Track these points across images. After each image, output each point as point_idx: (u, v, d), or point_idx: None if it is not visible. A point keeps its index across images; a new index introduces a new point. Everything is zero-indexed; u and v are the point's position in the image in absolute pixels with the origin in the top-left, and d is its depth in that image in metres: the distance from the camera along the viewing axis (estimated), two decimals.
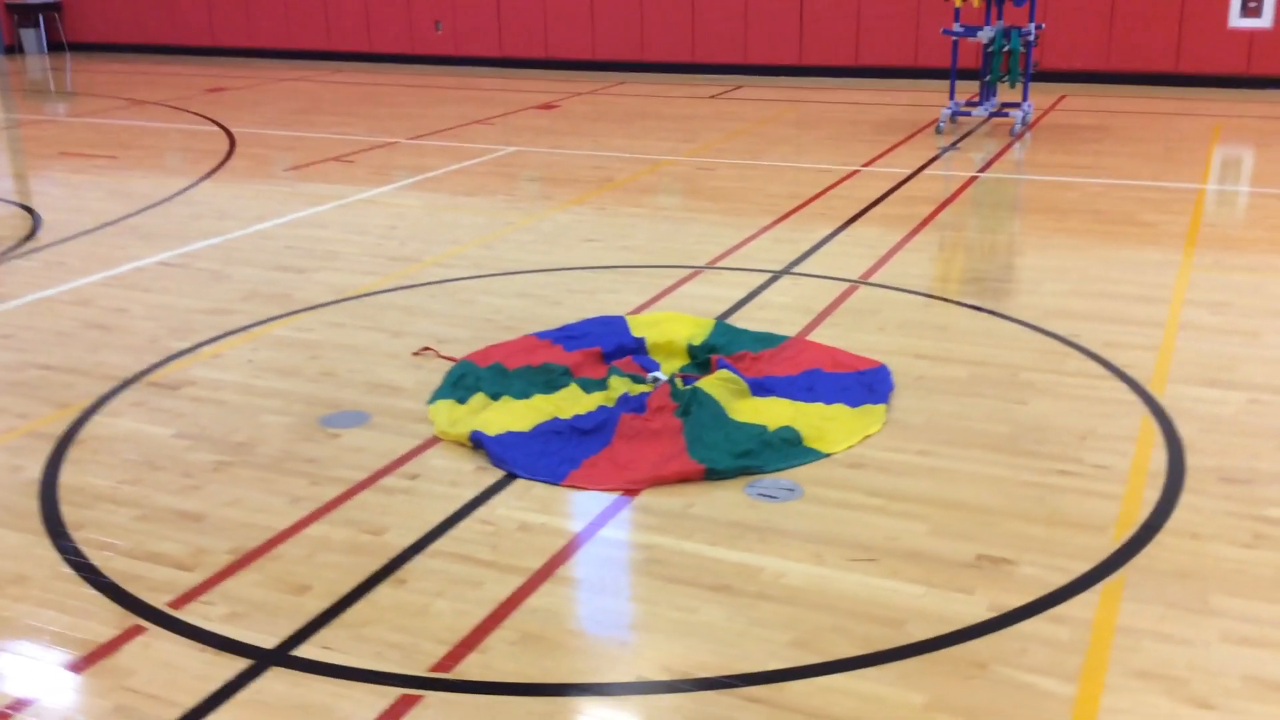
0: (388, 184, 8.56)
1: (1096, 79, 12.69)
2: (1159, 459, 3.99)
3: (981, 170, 8.65)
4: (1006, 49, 9.72)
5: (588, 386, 4.65)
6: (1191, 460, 3.97)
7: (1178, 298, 5.64)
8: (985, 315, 5.46)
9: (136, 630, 3.13)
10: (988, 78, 9.98)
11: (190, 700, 2.83)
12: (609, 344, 5.04)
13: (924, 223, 7.13)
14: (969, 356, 4.95)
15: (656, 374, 4.75)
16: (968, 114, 10.31)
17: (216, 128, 11.18)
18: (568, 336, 5.20)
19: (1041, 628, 3.07)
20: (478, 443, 4.18)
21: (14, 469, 4.10)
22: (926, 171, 8.62)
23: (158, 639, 3.09)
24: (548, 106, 12.13)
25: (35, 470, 4.08)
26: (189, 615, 3.19)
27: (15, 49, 18.26)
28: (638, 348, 5.05)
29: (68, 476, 4.03)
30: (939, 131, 10.10)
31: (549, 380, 4.71)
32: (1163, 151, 9.20)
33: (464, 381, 4.72)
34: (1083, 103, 11.62)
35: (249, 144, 10.31)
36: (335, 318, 5.62)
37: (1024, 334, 5.21)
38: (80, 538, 3.62)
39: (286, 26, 16.52)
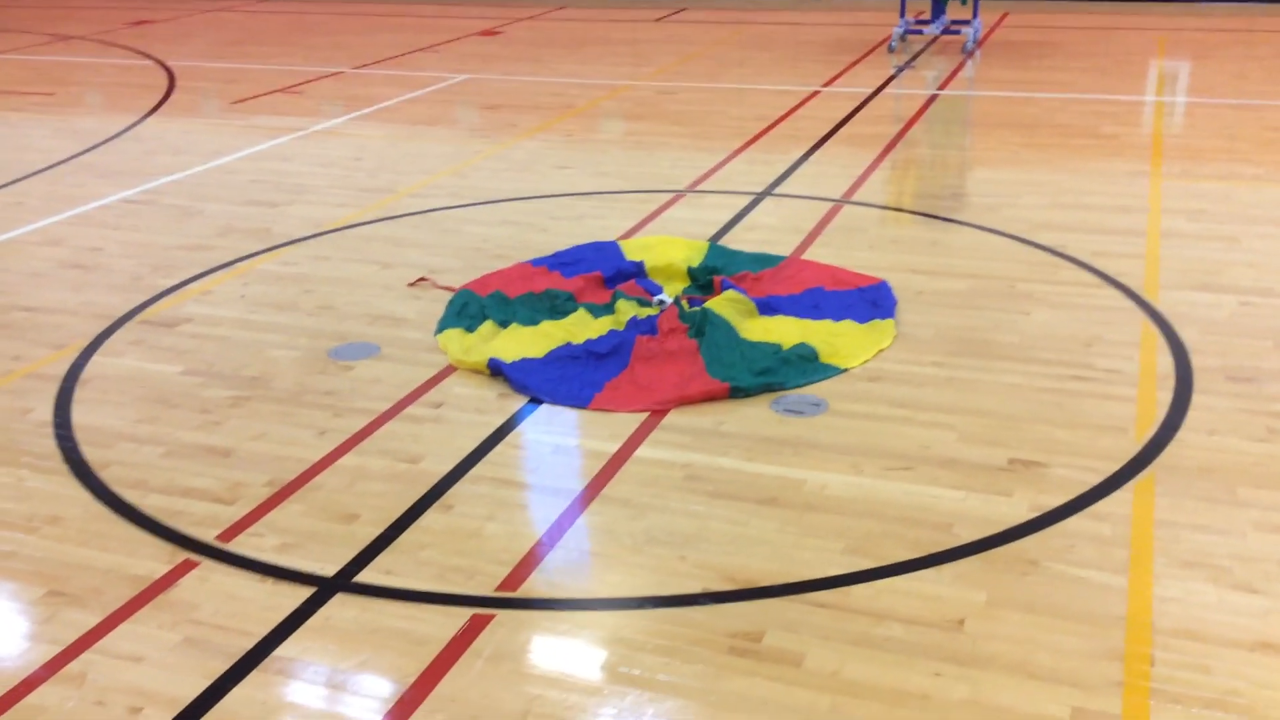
0: (343, 115, 8.38)
1: None
2: (1165, 362, 4.11)
3: (940, 88, 8.71)
4: None
5: (595, 311, 4.65)
6: (1196, 361, 4.10)
7: (1155, 207, 5.76)
8: (972, 229, 5.54)
9: (189, 565, 3.10)
10: None
11: (261, 629, 2.82)
12: (609, 269, 5.03)
13: (894, 141, 7.18)
14: (964, 270, 5.02)
15: (661, 296, 4.75)
16: (919, 32, 10.34)
17: (150, 61, 10.82)
18: (563, 263, 5.17)
19: (1084, 525, 3.17)
20: (496, 370, 4.17)
21: (22, 411, 4.00)
22: (886, 90, 8.65)
23: (213, 572, 3.06)
24: (490, 33, 11.92)
25: (45, 412, 3.99)
26: (240, 548, 3.17)
27: None
28: (638, 271, 5.05)
29: (80, 417, 3.95)
30: (891, 50, 10.13)
31: (554, 306, 4.70)
32: (1112, 65, 9.33)
33: (468, 310, 4.69)
34: (1026, 20, 11.71)
35: (188, 77, 10.00)
36: (320, 251, 5.53)
37: (1013, 246, 5.30)
38: (108, 476, 3.55)
39: None
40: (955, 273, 4.99)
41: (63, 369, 4.32)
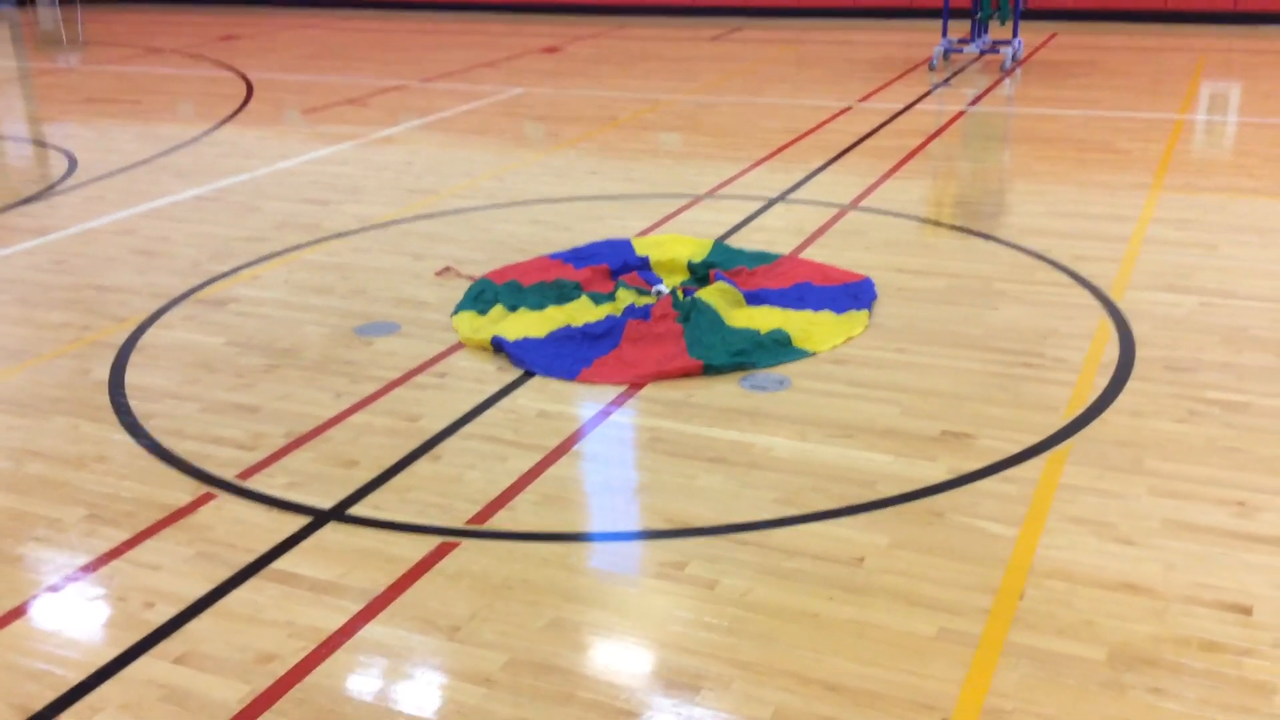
0: (401, 124, 8.96)
1: (1087, 16, 13.00)
2: (1112, 352, 4.44)
3: (971, 105, 9.04)
4: None
5: (597, 299, 5.10)
6: (1141, 353, 4.42)
7: (1145, 216, 6.06)
8: (966, 235, 5.89)
9: (209, 497, 3.61)
10: (979, 15, 10.32)
11: (262, 547, 3.32)
12: (615, 262, 5.49)
13: (913, 153, 7.54)
14: (948, 270, 5.38)
15: (660, 287, 5.19)
16: (960, 51, 10.65)
17: (233, 74, 11.56)
18: (578, 256, 5.64)
19: (994, 486, 3.53)
20: (498, 346, 4.64)
21: (83, 372, 4.57)
22: (918, 106, 9.00)
23: (229, 503, 3.57)
24: (551, 50, 12.48)
25: (103, 373, 4.55)
26: (254, 484, 3.67)
27: (26, 1, 18.56)
28: (642, 265, 5.49)
29: (133, 378, 4.50)
30: (932, 68, 10.46)
31: (561, 294, 5.16)
32: (1147, 84, 9.56)
33: (483, 296, 5.17)
34: (1073, 40, 11.95)
35: (265, 89, 10.69)
36: (361, 244, 6.07)
37: (1000, 250, 5.64)
38: (151, 426, 4.09)
39: None
40: (938, 272, 5.36)
41: (122, 338, 4.88)
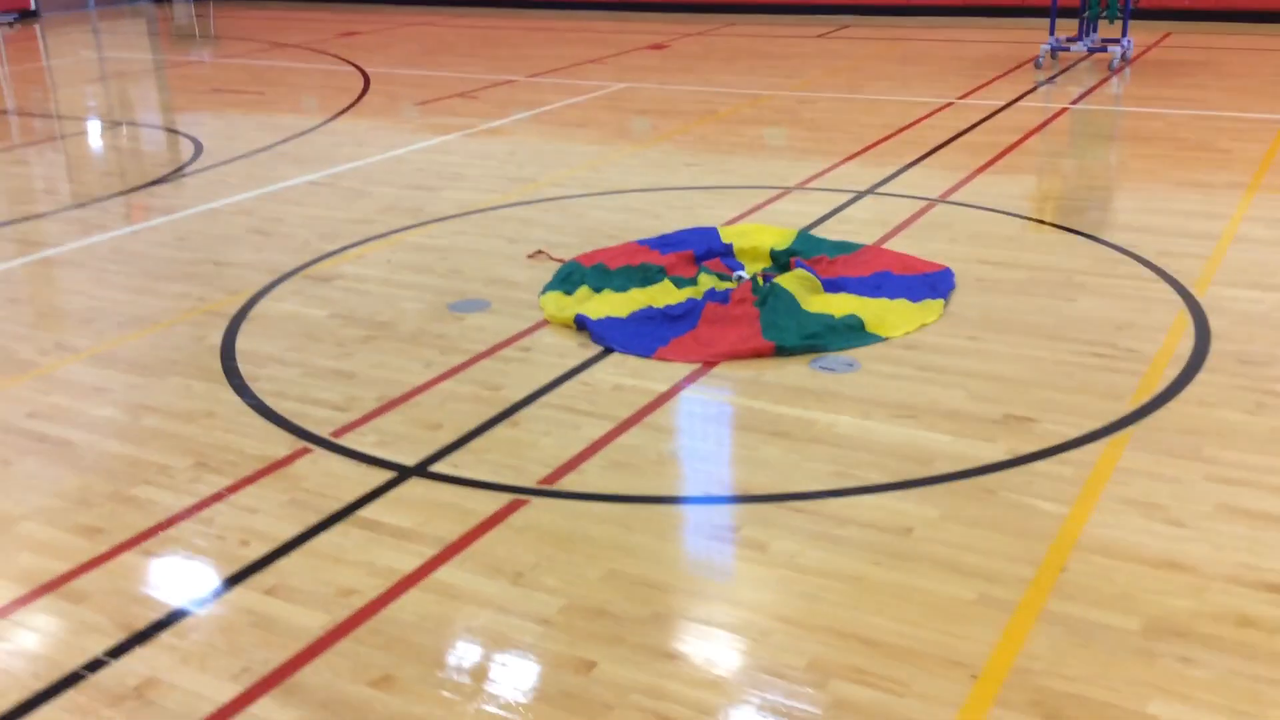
0: (507, 117, 9.26)
1: (1205, 16, 12.73)
2: (1186, 345, 4.47)
3: (1073, 103, 8.98)
4: None
5: (680, 283, 5.27)
6: (1216, 346, 4.44)
7: (1238, 215, 6.01)
8: (1052, 229, 5.92)
9: (305, 450, 3.89)
10: (1086, 14, 10.22)
11: (350, 496, 3.58)
12: (700, 248, 5.66)
13: (1008, 149, 7.55)
14: (1030, 263, 5.43)
15: (740, 272, 5.35)
16: (1067, 50, 10.56)
17: (352, 68, 12.02)
18: (664, 243, 5.82)
19: (1050, 467, 3.62)
20: (581, 324, 4.85)
21: (198, 338, 4.91)
22: (1020, 104, 8.98)
23: (323, 458, 3.84)
24: (658, 47, 12.69)
25: (216, 339, 4.88)
26: (346, 441, 3.94)
27: None
28: (726, 251, 5.66)
29: (243, 344, 4.82)
30: (1038, 66, 10.40)
31: (645, 277, 5.35)
32: (1259, 85, 9.37)
33: (571, 278, 5.39)
34: (1188, 40, 11.73)
35: (381, 83, 11.11)
36: (460, 228, 6.34)
37: (1086, 244, 5.66)
38: (256, 387, 4.40)
39: None
40: (1019, 264, 5.41)
41: (235, 308, 5.22)
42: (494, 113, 9.42)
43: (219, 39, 15.14)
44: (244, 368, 4.58)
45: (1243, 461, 3.60)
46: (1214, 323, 4.65)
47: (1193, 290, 5.00)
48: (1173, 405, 3.99)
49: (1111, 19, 10.11)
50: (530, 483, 3.64)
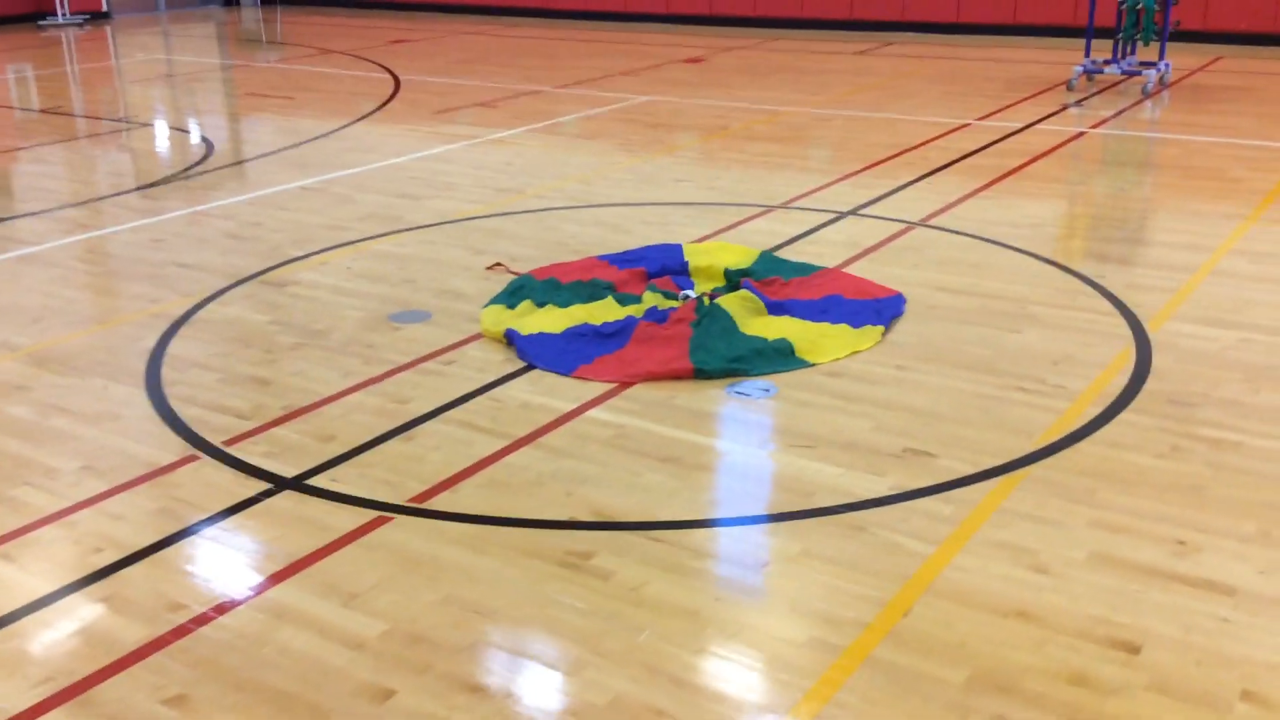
0: (519, 127, 9.26)
1: (1264, 40, 12.30)
2: (1120, 383, 4.28)
3: (1093, 127, 8.72)
4: (1141, 7, 9.66)
5: (624, 300, 5.20)
6: (1150, 385, 4.25)
7: (1224, 247, 5.77)
8: (1024, 256, 5.74)
9: (193, 458, 3.90)
10: (1122, 35, 9.93)
11: (217, 508, 3.57)
12: (655, 265, 5.58)
13: (1009, 173, 7.35)
14: (988, 291, 5.27)
15: (688, 291, 5.26)
16: (1102, 71, 10.26)
17: (387, 74, 12.14)
18: (623, 259, 5.76)
19: (931, 505, 3.48)
20: (510, 339, 4.80)
21: (135, 339, 4.96)
22: (1038, 126, 8.75)
23: (207, 466, 3.85)
24: (694, 60, 12.62)
25: (151, 341, 4.93)
26: (236, 451, 3.94)
27: (233, 2, 19.88)
28: (681, 270, 5.57)
29: (175, 348, 4.86)
30: (1070, 88, 10.13)
31: (591, 293, 5.29)
32: None
33: (519, 292, 5.35)
34: (1238, 64, 11.35)
35: (410, 90, 11.20)
36: (431, 237, 6.34)
37: (1051, 273, 5.47)
38: (170, 392, 4.42)
39: None
40: (976, 292, 5.24)
41: (182, 311, 5.27)
42: (507, 122, 9.44)
43: (276, 44, 15.42)
44: (166, 372, 4.62)
45: (1134, 508, 3.43)
46: (1157, 360, 4.45)
47: (1146, 325, 4.80)
48: (1082, 445, 3.82)
49: (1146, 41, 9.81)
50: (401, 500, 3.60)
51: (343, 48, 14.33)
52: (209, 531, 3.44)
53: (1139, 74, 10.12)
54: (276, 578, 3.20)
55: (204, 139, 9.17)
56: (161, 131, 9.72)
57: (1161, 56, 10.04)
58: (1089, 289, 5.25)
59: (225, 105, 10.81)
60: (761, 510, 3.49)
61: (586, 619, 2.99)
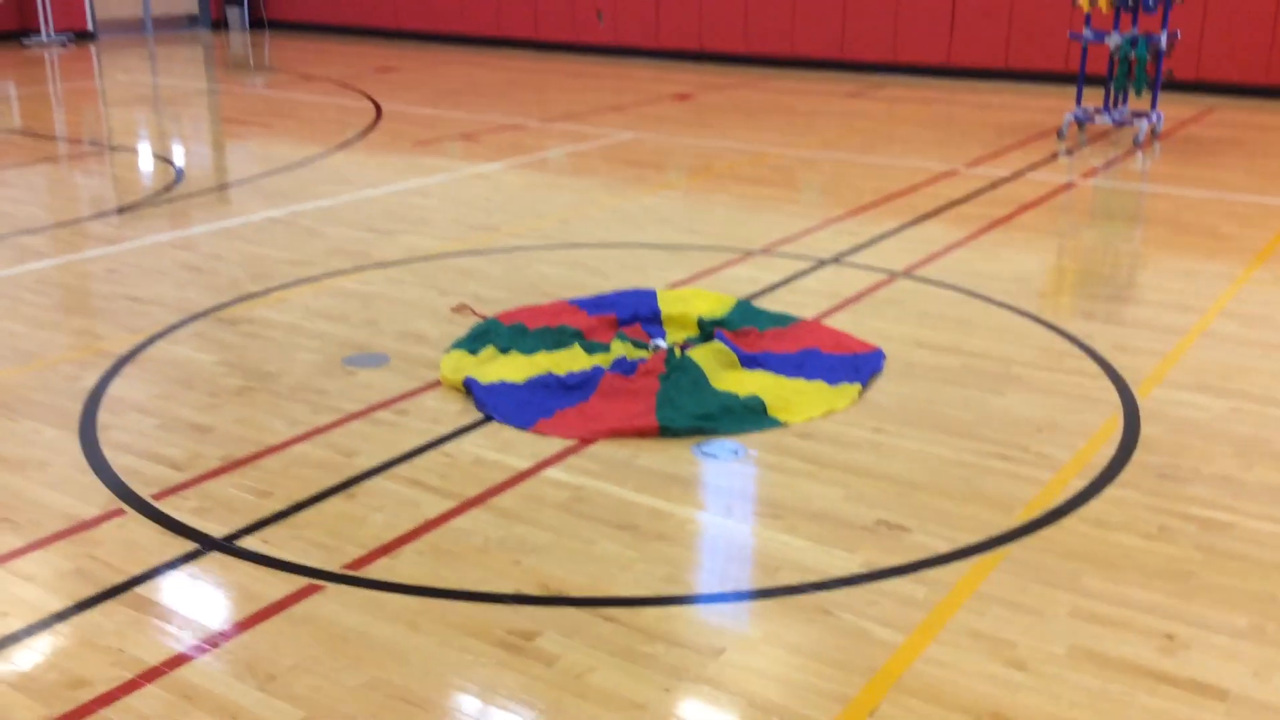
0: (500, 161, 9.06)
1: (1257, 93, 12.20)
2: (1106, 454, 4.06)
3: (1082, 178, 8.56)
4: (1133, 57, 9.53)
5: (591, 348, 4.98)
6: (1138, 457, 4.03)
7: (1216, 308, 5.57)
8: (1009, 312, 5.53)
9: (118, 513, 3.65)
10: (1113, 83, 9.80)
11: (136, 570, 3.32)
12: (626, 312, 5.36)
13: (995, 224, 7.16)
14: (971, 349, 5.05)
15: (659, 341, 5.04)
16: (1093, 120, 10.12)
17: (369, 103, 11.95)
18: (595, 304, 5.54)
19: (903, 586, 3.25)
20: (469, 388, 4.57)
21: (74, 379, 4.71)
22: (1027, 175, 8.58)
23: (132, 521, 3.59)
24: (683, 97, 12.46)
25: (91, 381, 4.68)
26: (165, 506, 3.69)
27: (221, 25, 19.72)
28: (652, 317, 5.35)
29: (115, 389, 4.62)
30: (1061, 136, 9.98)
31: (558, 340, 5.06)
32: None
33: (484, 337, 5.12)
34: (1231, 116, 11.22)
35: (392, 120, 11.01)
36: (398, 275, 6.12)
37: (1038, 332, 5.27)
38: (104, 437, 4.18)
39: (460, 11, 17.33)
40: (959, 349, 5.03)
41: (128, 349, 5.03)
42: (489, 155, 9.24)
43: (261, 69, 15.23)
44: (103, 415, 4.37)
45: (1120, 596, 3.20)
46: (1146, 430, 4.24)
47: (1135, 391, 4.59)
48: (1066, 522, 3.59)
49: (1139, 92, 9.66)
50: (336, 566, 3.35)
51: (328, 74, 14.15)
52: (125, 597, 3.19)
53: (1130, 124, 9.97)
54: (193, 652, 2.95)
55: (174, 165, 8.94)
56: (132, 157, 9.49)
57: (1154, 107, 9.90)
58: (1076, 350, 5.04)
59: (201, 130, 10.60)
60: (721, 588, 3.26)
61: (525, 712, 2.74)
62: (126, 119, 11.21)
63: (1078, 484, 3.84)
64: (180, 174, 8.55)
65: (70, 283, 5.98)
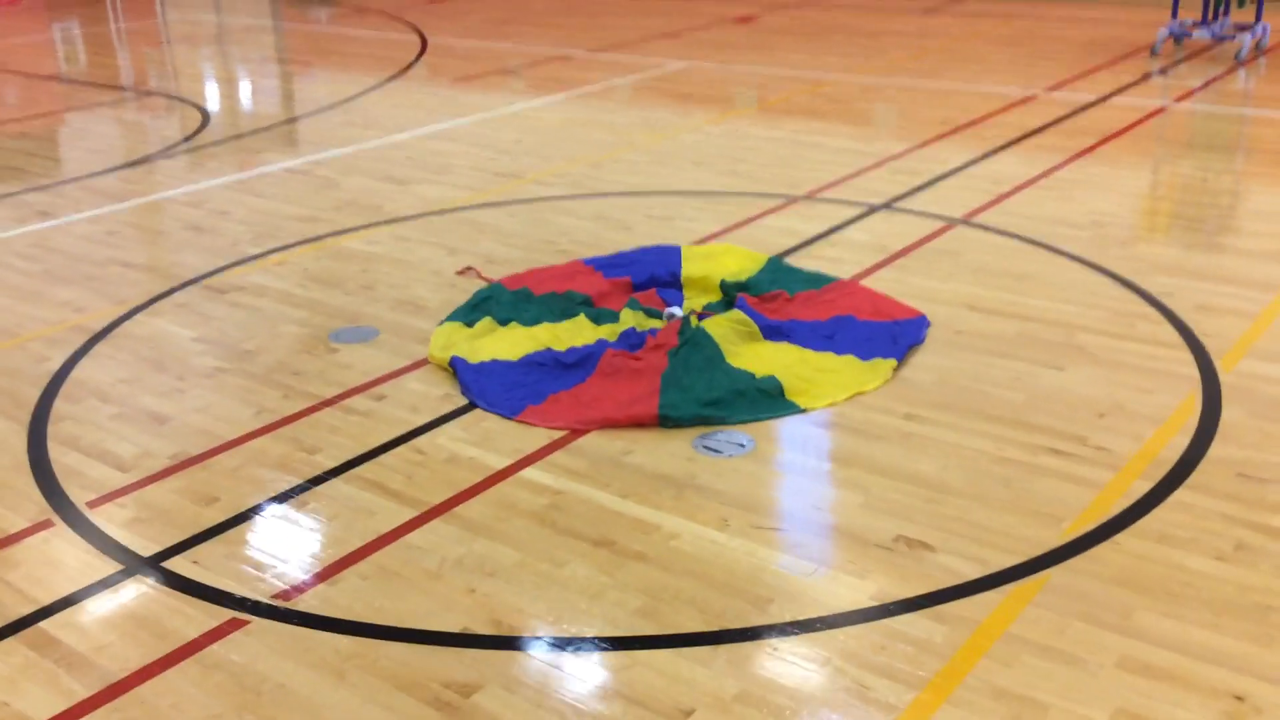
0: (540, 98, 8.53)
1: None
2: (1178, 445, 3.47)
3: (1179, 99, 7.74)
4: None
5: (598, 318, 4.49)
6: (1216, 450, 3.43)
7: None
8: (1080, 265, 4.90)
9: (47, 525, 3.29)
10: None
11: (47, 599, 2.95)
12: (643, 274, 4.85)
13: (1073, 157, 6.46)
14: (1030, 311, 4.45)
15: (674, 309, 4.53)
16: (1190, 35, 9.21)
17: (416, 36, 11.46)
18: (611, 264, 5.03)
19: (917, 624, 2.74)
20: (455, 369, 4.12)
21: (41, 359, 4.37)
22: (1115, 99, 7.79)
23: (57, 537, 3.23)
24: (744, 20, 11.73)
25: (57, 362, 4.34)
26: (98, 516, 3.32)
27: None
28: (670, 280, 4.83)
29: (80, 371, 4.26)
30: (1153, 54, 9.11)
31: (564, 309, 4.58)
32: None
33: (483, 305, 4.66)
34: None
35: (435, 53, 10.51)
36: (407, 232, 5.67)
37: (1111, 289, 4.64)
38: (53, 431, 3.83)
39: None
40: (1016, 312, 4.44)
41: (106, 324, 4.67)
42: (529, 92, 8.71)
43: (337, 3, 14.75)
44: (59, 404, 4.02)
45: (1181, 640, 2.65)
46: (1227, 414, 3.63)
47: (1218, 363, 3.96)
48: (1122, 539, 3.04)
49: (1242, 1, 8.74)
50: (266, 595, 2.95)
51: (378, 6, 13.66)
52: (27, 634, 2.83)
53: (1232, 38, 9.04)
54: (86, 706, 2.57)
55: (204, 110, 8.57)
56: (162, 101, 9.14)
57: (1259, 18, 8.96)
58: (1151, 311, 4.41)
59: (242, 71, 10.22)
60: (701, 625, 2.78)
61: None
62: (167, 60, 10.88)
63: (1141, 486, 3.26)
64: (207, 120, 8.18)
65: (65, 246, 5.64)
